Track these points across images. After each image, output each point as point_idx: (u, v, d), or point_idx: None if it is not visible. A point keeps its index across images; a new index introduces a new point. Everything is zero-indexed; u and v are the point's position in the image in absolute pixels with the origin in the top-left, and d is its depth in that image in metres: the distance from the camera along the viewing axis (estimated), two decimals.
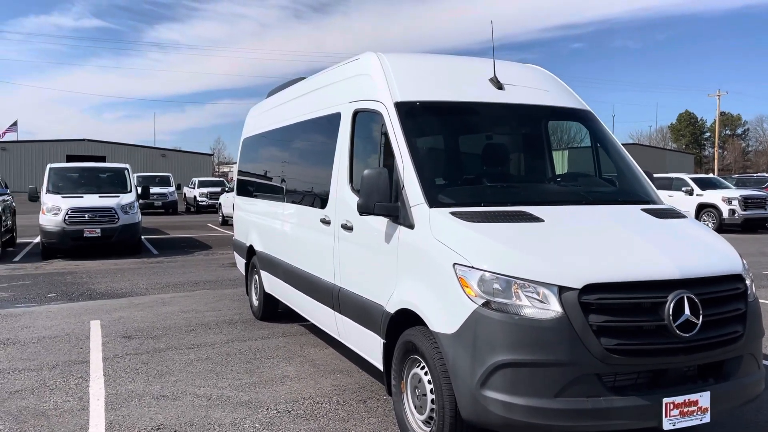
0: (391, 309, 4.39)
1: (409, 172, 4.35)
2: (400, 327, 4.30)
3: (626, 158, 5.22)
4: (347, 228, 5.14)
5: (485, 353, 3.54)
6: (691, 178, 23.74)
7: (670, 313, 3.52)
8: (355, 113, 5.25)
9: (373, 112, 4.94)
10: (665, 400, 3.53)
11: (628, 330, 3.52)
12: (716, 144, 67.48)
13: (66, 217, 14.02)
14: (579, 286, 3.50)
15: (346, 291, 5.18)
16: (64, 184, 15.34)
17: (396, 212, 4.39)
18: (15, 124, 58.64)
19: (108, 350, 6.71)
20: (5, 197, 15.49)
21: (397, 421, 4.40)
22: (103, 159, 49.83)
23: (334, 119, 5.62)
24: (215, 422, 4.75)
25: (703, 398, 3.62)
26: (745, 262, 4.17)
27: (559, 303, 3.49)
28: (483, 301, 3.60)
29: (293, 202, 6.69)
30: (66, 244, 14.21)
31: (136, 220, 14.90)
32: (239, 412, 4.95)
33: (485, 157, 5.23)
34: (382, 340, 4.55)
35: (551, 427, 3.48)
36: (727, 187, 23.87)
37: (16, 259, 14.21)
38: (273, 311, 7.94)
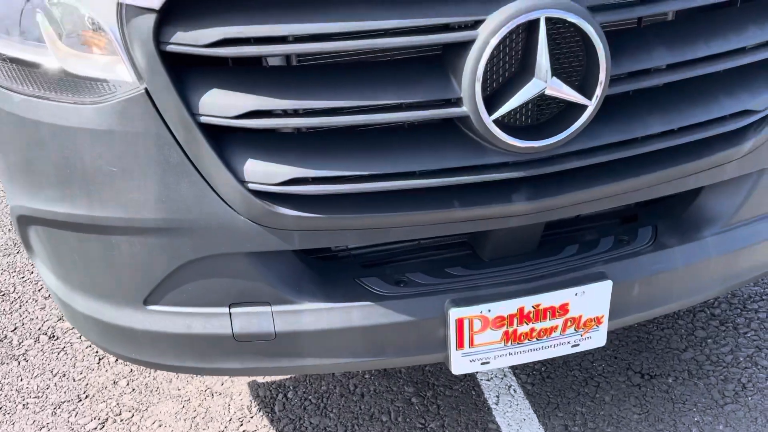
0: None
1: None
2: None
3: None
4: None
5: None
6: None
7: (484, 60, 1.10)
8: None
9: None
10: (453, 312, 1.32)
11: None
12: None
13: None
14: (156, 5, 1.11)
15: None
16: None
17: None
18: None
19: None
20: None
21: None
22: None
23: None
24: None
25: (583, 298, 1.35)
26: None
27: (126, 56, 1.16)
28: None
29: None
30: None
31: None
32: None
33: None
34: None
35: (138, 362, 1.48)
36: None
37: None
38: None
